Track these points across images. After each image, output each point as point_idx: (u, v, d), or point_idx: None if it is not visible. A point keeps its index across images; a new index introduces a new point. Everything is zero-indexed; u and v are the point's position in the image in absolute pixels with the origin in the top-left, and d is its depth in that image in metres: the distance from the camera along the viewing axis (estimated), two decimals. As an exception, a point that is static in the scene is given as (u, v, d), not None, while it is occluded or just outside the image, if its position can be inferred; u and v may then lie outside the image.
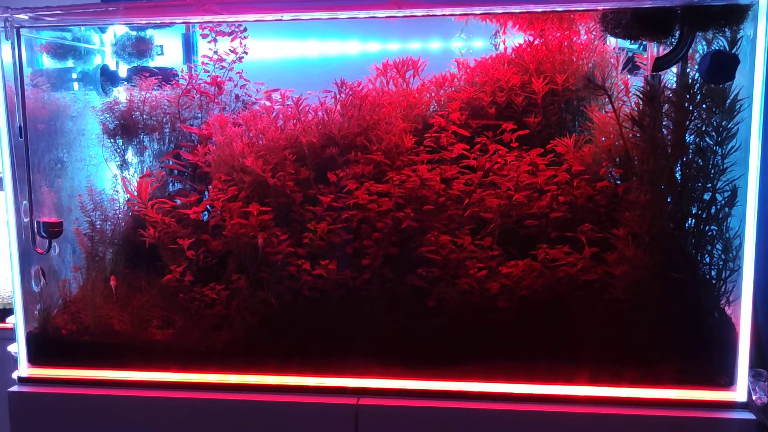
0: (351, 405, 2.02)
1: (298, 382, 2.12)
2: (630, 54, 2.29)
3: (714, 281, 2.03)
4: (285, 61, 2.82)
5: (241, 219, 2.21)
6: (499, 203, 2.14)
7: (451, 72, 2.51)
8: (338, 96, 2.40)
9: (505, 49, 2.53)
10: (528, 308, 2.07)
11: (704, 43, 2.00)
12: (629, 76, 2.26)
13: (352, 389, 2.08)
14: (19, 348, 2.25)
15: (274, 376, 2.14)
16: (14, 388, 2.19)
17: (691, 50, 1.96)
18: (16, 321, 2.25)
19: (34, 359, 2.24)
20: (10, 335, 2.30)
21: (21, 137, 2.17)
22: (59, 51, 2.63)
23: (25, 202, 2.22)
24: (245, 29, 2.63)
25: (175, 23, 2.80)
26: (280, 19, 2.13)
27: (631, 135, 2.09)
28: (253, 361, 2.17)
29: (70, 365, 2.22)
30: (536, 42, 2.45)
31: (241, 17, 2.45)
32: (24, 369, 2.24)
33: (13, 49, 2.14)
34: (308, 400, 2.05)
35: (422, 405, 2.01)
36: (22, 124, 2.16)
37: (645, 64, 2.22)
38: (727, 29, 1.91)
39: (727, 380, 1.97)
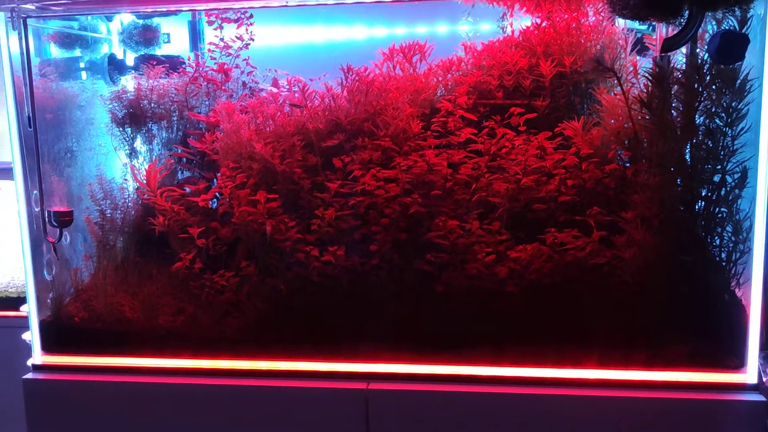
0: (361, 390, 2.03)
1: (309, 368, 2.13)
2: (639, 35, 2.27)
3: (724, 263, 2.02)
4: (291, 47, 2.81)
5: (249, 207, 2.22)
6: (507, 187, 2.14)
7: (458, 56, 2.50)
8: (345, 81, 2.39)
9: (513, 32, 2.51)
10: (537, 292, 2.07)
11: (714, 22, 1.97)
12: (638, 58, 2.23)
13: (361, 374, 2.09)
14: (32, 336, 2.28)
15: (284, 362, 2.15)
16: (29, 375, 2.21)
17: (700, 30, 1.93)
18: (30, 309, 2.28)
19: (47, 347, 2.27)
20: (24, 323, 2.33)
21: (30, 127, 2.19)
22: (66, 40, 2.64)
23: (35, 191, 2.24)
24: (251, 15, 2.63)
25: (182, 11, 2.80)
26: (286, 5, 2.12)
27: (640, 117, 2.07)
28: (264, 347, 2.18)
29: (83, 352, 2.25)
30: (544, 24, 2.42)
31: (246, 3, 2.45)
32: (38, 356, 2.27)
33: (20, 39, 2.15)
34: (318, 386, 2.07)
35: (432, 389, 2.02)
36: (31, 114, 2.18)
37: (654, 45, 2.20)
38: (736, 8, 1.88)
39: (737, 362, 1.97)
